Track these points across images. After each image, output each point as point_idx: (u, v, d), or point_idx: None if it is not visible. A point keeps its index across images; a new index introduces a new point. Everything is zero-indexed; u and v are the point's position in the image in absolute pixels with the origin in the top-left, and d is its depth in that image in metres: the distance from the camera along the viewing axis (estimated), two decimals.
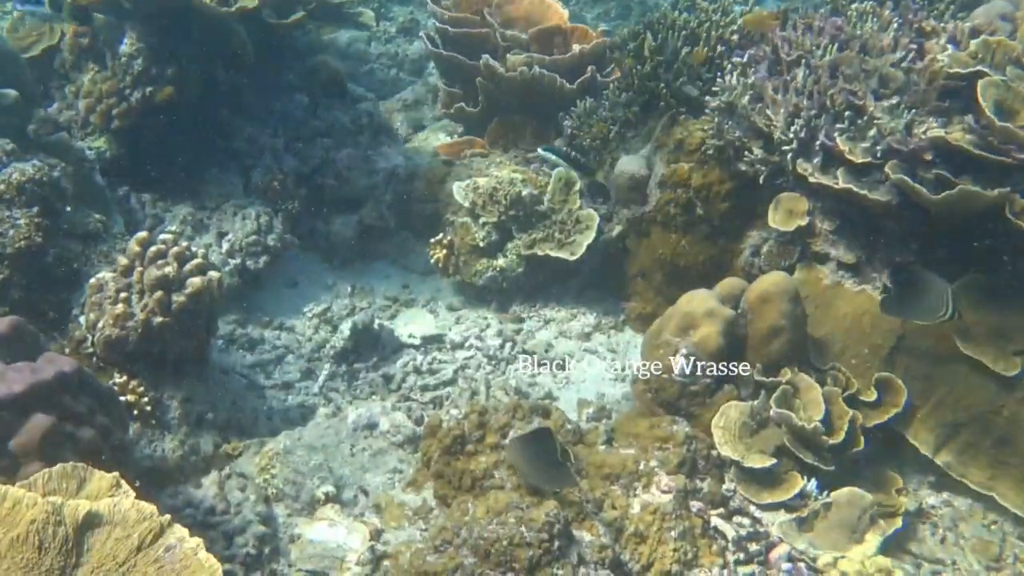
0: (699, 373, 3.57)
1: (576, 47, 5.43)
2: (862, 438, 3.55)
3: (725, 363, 3.62)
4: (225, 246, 4.74)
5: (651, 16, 4.81)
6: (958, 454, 3.65)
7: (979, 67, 3.74)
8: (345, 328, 4.54)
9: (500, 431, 3.43)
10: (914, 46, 4.20)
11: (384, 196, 5.20)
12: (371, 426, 3.96)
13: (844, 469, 3.52)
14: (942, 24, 4.50)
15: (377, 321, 4.71)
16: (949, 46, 3.98)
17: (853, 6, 4.59)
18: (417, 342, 4.74)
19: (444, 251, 4.97)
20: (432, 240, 5.02)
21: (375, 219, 5.18)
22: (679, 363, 3.58)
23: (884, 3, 4.65)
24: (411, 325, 4.86)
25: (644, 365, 3.75)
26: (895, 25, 4.36)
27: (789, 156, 3.98)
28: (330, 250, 5.19)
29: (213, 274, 3.61)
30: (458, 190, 4.88)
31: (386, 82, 7.05)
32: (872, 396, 3.70)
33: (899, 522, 3.39)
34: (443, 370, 4.57)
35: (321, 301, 4.97)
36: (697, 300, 3.69)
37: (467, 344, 4.76)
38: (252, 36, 4.90)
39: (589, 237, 4.73)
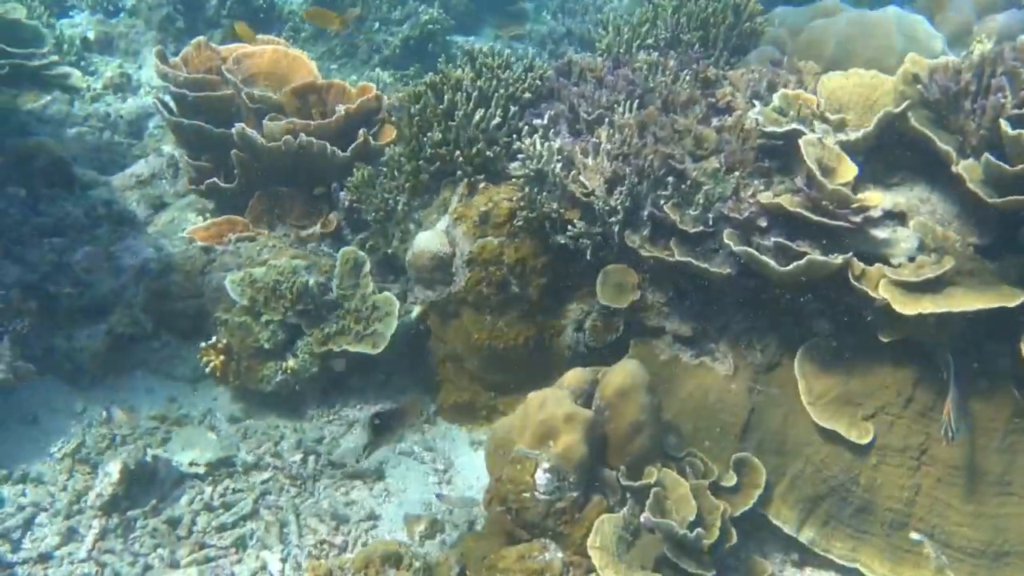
0: (566, 488, 3.16)
1: (340, 108, 4.85)
2: (734, 531, 3.32)
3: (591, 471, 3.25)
4: None
5: (431, 76, 4.34)
6: (820, 528, 3.51)
7: (795, 126, 3.64)
8: (113, 470, 3.69)
9: None
10: (711, 99, 4.10)
11: (136, 298, 4.33)
12: None
13: (716, 565, 3.27)
14: (721, 71, 4.44)
15: (150, 452, 3.90)
16: (755, 103, 3.87)
17: (640, 56, 4.43)
18: (201, 470, 3.97)
19: (221, 357, 4.20)
20: (204, 344, 4.22)
21: (128, 326, 4.28)
22: (542, 479, 3.15)
23: (667, 52, 4.53)
24: (190, 449, 4.06)
25: (499, 483, 3.28)
26: (686, 77, 4.23)
27: (616, 228, 3.70)
28: (75, 371, 4.20)
29: None
30: (232, 286, 4.14)
31: (100, 148, 6.03)
32: (732, 480, 3.49)
33: None
34: (240, 502, 3.86)
35: (71, 435, 4.01)
36: (552, 404, 3.26)
37: (263, 463, 4.06)
38: None
39: (391, 325, 4.18)
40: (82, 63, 6.86)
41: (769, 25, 4.90)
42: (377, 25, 8.54)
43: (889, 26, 4.49)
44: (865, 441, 3.42)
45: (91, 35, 7.23)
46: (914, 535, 3.38)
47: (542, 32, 9.30)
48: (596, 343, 3.96)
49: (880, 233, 3.54)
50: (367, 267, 4.37)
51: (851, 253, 3.33)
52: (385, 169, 4.56)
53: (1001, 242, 3.49)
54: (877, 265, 3.38)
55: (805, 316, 3.62)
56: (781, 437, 3.59)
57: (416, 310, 4.38)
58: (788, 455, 3.57)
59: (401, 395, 4.46)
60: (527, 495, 3.18)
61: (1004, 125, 3.25)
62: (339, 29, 7.16)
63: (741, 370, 3.69)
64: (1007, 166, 3.16)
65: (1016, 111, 3.33)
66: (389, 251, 4.51)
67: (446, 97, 4.17)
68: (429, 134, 4.17)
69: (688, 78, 4.21)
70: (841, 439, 3.45)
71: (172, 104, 4.99)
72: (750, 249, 3.34)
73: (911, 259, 3.41)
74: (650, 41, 4.76)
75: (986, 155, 3.26)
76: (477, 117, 4.08)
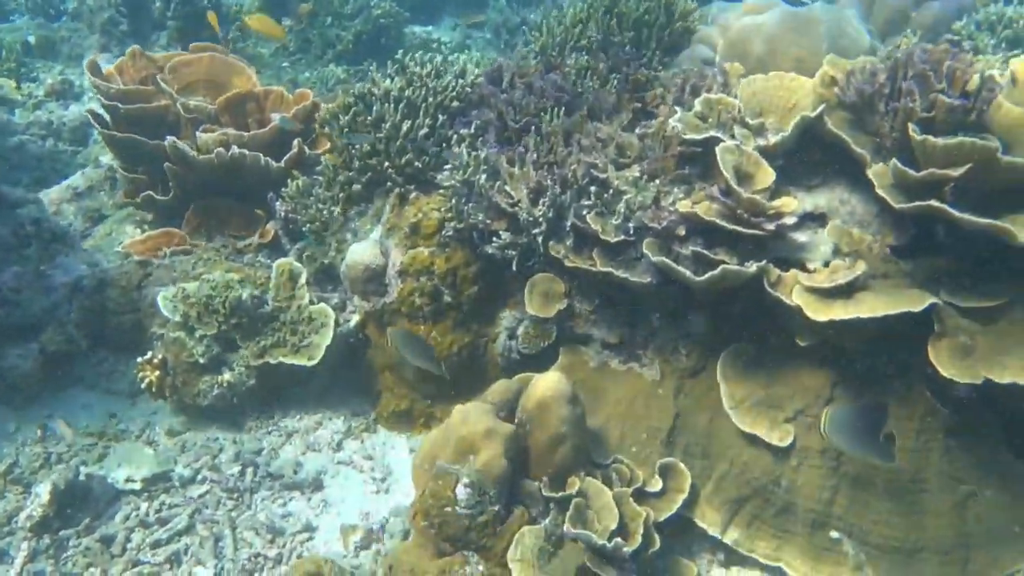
0: (487, 502, 3.21)
1: (275, 117, 4.85)
2: (657, 537, 3.38)
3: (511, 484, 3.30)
4: None
5: (361, 86, 4.35)
6: (744, 529, 3.57)
7: (713, 132, 3.68)
8: (43, 491, 3.71)
9: None
10: (637, 104, 4.13)
11: (69, 315, 4.33)
12: None
13: (641, 570, 3.33)
14: (653, 72, 4.47)
15: (83, 471, 3.93)
16: (677, 108, 3.91)
17: (570, 62, 4.44)
18: (138, 486, 4.00)
19: (157, 372, 4.22)
20: (140, 360, 4.25)
21: (62, 343, 4.29)
22: (462, 494, 3.20)
23: (597, 55, 4.54)
24: (127, 466, 4.08)
25: (422, 497, 3.32)
26: (615, 82, 4.25)
27: (540, 239, 3.74)
28: (7, 390, 4.20)
29: None
30: (164, 303, 4.15)
31: (42, 157, 6.01)
32: (658, 485, 3.54)
33: None
34: (176, 517, 3.88)
35: (3, 455, 4.05)
36: (472, 419, 3.31)
37: (200, 477, 4.09)
38: None
39: (327, 337, 4.20)
40: (23, 69, 6.79)
41: (703, 23, 4.91)
42: (329, 20, 8.51)
43: (816, 24, 4.52)
44: (786, 444, 3.48)
45: (32, 40, 7.16)
46: (834, 534, 3.45)
47: (497, 22, 9.30)
48: (530, 350, 4.00)
49: (799, 237, 3.60)
50: (303, 278, 4.39)
51: (765, 261, 3.38)
52: (321, 179, 4.58)
53: (917, 241, 3.55)
54: (792, 271, 3.44)
55: (727, 321, 3.68)
56: (707, 441, 3.66)
57: (355, 319, 4.41)
58: (713, 458, 3.64)
59: (342, 405, 4.49)
60: (449, 510, 3.23)
61: (912, 129, 3.30)
62: (283, 39, 7.15)
63: (668, 376, 3.75)
64: (912, 171, 3.21)
65: (925, 114, 3.39)
66: (327, 261, 4.53)
67: (375, 108, 4.18)
68: (358, 147, 4.18)
69: (617, 82, 4.24)
70: (763, 442, 3.51)
71: (106, 117, 4.97)
72: (667, 260, 3.39)
73: (826, 264, 3.47)
74: (583, 42, 4.77)
75: (893, 160, 3.31)
76: (405, 127, 4.10)
